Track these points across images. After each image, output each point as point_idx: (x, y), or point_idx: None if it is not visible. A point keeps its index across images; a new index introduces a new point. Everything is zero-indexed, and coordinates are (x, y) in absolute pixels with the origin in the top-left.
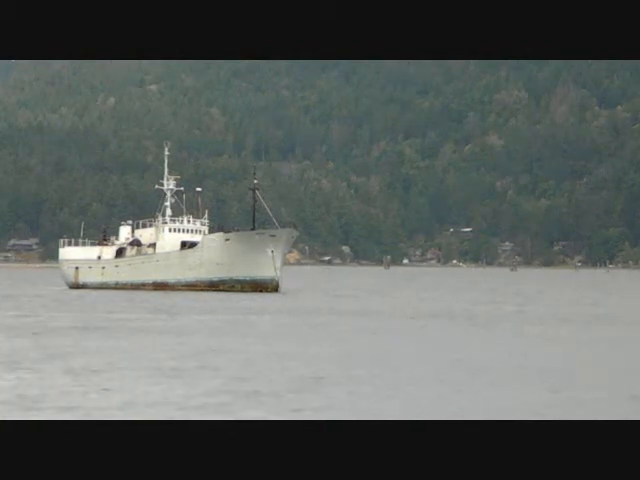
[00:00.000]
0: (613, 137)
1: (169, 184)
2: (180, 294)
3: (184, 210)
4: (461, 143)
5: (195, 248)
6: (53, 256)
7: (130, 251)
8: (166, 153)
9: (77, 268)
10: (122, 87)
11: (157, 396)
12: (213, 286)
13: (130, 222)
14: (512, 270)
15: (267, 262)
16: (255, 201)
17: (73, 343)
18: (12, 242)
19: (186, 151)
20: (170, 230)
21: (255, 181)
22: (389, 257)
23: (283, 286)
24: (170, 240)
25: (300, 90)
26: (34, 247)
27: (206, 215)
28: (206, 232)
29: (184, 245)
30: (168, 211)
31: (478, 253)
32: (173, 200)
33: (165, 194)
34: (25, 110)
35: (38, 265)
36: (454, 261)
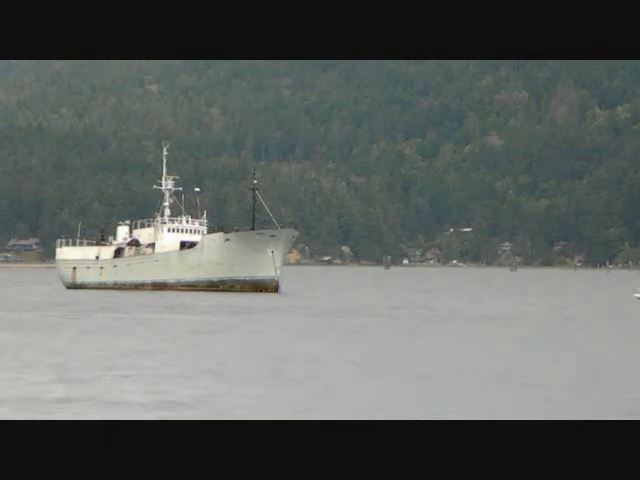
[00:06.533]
0: (613, 137)
1: (167, 184)
2: (175, 294)
3: (183, 210)
4: (461, 143)
5: (195, 248)
6: (53, 256)
7: (128, 251)
8: (164, 153)
9: (75, 268)
10: (122, 87)
11: None
12: (213, 286)
13: (128, 222)
14: (512, 270)
15: (267, 262)
16: (255, 201)
17: None
18: (12, 242)
19: (186, 151)
20: (169, 230)
21: (255, 181)
22: (389, 257)
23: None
24: (169, 240)
25: (300, 90)
26: (34, 247)
27: (205, 215)
28: (205, 232)
29: (183, 245)
30: (167, 211)
31: (478, 253)
32: (172, 200)
33: (164, 194)
34: (25, 110)
35: (38, 265)
36: (454, 261)
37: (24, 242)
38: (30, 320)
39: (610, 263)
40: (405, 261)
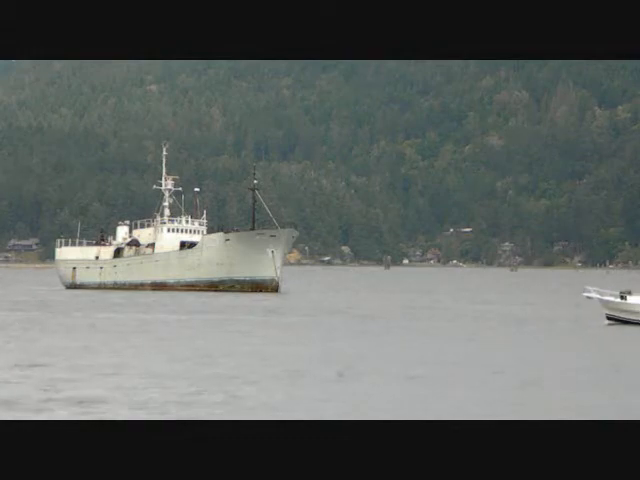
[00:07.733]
0: (613, 137)
1: (167, 184)
2: (174, 294)
3: (182, 210)
4: (461, 143)
5: (195, 248)
6: (53, 256)
7: (128, 251)
8: (164, 153)
9: (74, 268)
10: (122, 87)
11: None
12: (213, 286)
13: (128, 222)
14: (512, 270)
15: (267, 262)
16: (255, 201)
17: None
18: (12, 242)
19: (186, 151)
20: (169, 230)
21: (255, 181)
22: (389, 257)
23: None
24: (169, 240)
25: (300, 90)
26: (34, 247)
27: (205, 215)
28: (204, 232)
29: (183, 245)
30: (166, 211)
31: (478, 253)
32: (172, 200)
33: (163, 194)
34: (25, 110)
35: (38, 265)
36: (454, 261)
37: (24, 242)
38: (19, 319)
39: (610, 263)
40: (405, 261)
